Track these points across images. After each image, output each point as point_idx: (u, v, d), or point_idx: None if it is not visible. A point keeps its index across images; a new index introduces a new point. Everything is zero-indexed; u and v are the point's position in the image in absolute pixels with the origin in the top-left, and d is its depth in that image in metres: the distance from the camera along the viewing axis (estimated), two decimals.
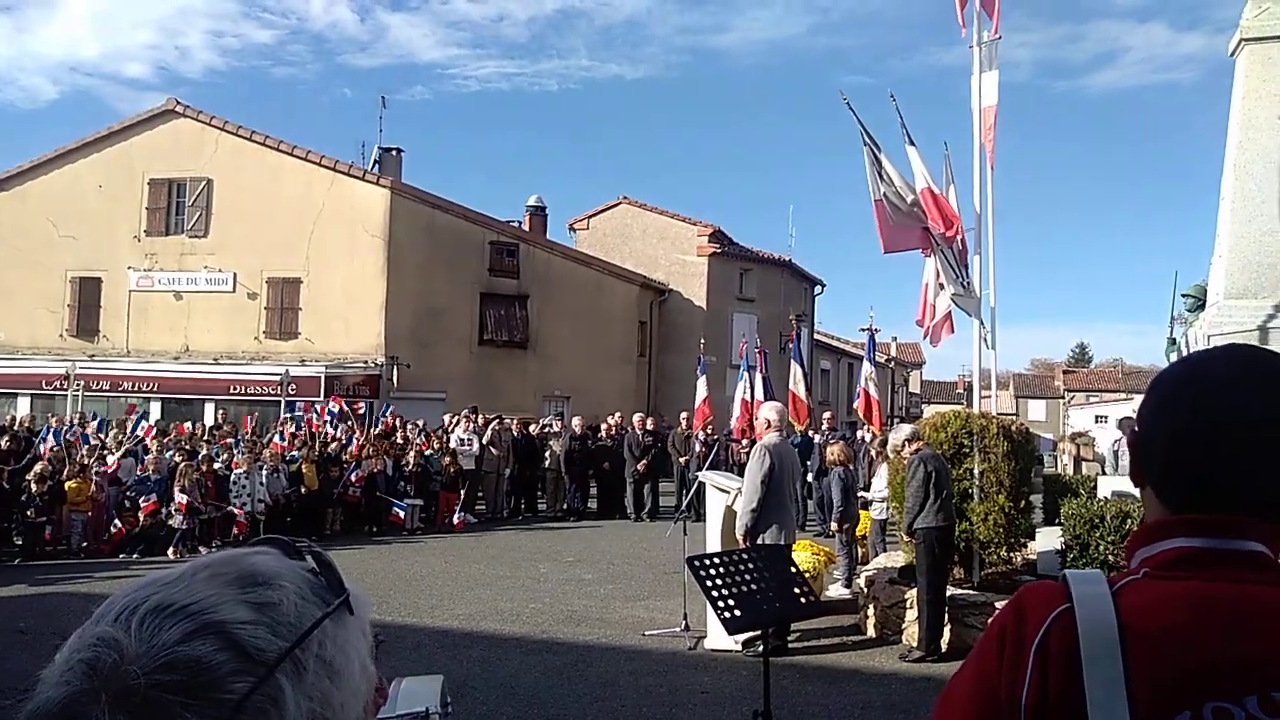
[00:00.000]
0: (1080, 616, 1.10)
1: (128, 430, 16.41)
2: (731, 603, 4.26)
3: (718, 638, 7.66)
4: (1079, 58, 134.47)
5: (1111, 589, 1.13)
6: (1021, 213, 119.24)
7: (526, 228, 31.41)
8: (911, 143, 9.27)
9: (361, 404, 18.87)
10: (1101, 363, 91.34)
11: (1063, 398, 71.28)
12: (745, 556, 4.61)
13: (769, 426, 8.01)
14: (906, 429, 8.44)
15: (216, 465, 14.18)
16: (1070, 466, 24.90)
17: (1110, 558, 7.58)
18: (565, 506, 17.79)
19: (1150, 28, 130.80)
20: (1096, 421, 48.35)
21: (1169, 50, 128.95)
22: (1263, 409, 1.13)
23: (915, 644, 7.71)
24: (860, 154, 9.28)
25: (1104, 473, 12.61)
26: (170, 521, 13.01)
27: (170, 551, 12.71)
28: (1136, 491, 1.29)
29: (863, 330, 26.96)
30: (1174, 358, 10.17)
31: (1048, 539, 8.84)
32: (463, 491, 16.74)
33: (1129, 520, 7.45)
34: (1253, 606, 1.08)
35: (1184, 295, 11.47)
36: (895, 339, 61.64)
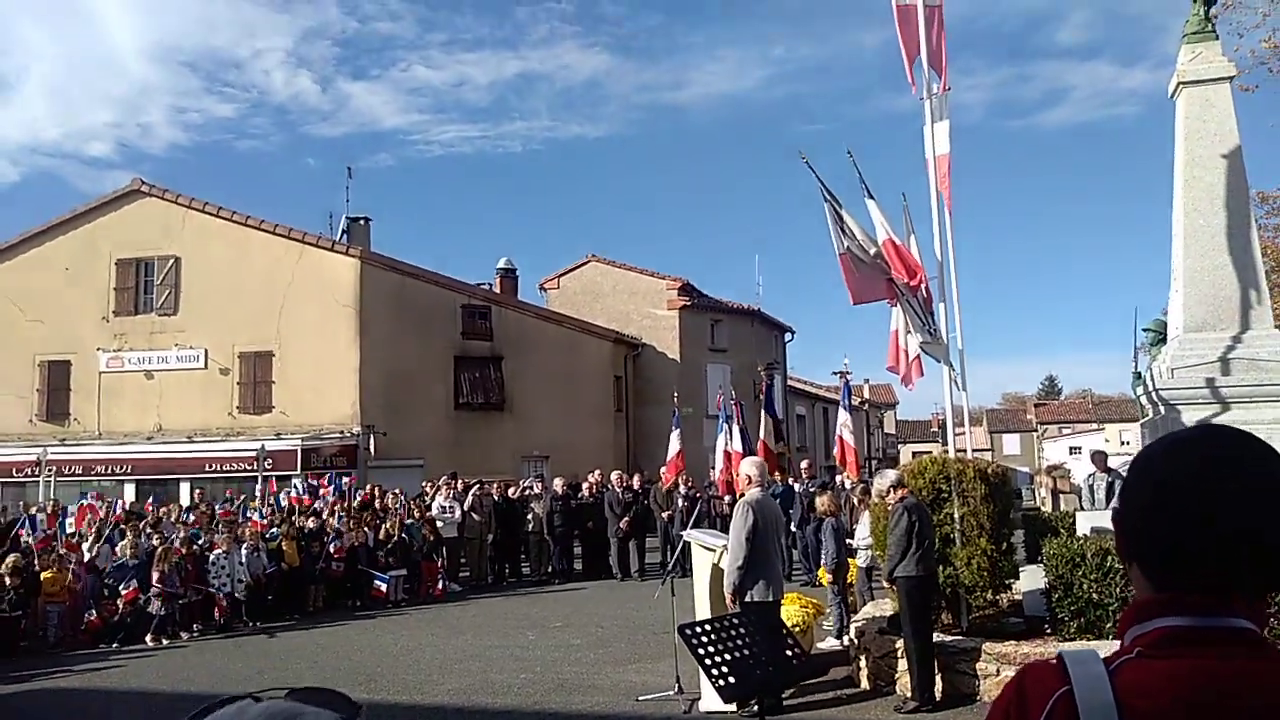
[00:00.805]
0: (1079, 697, 1.16)
1: (101, 515, 16.15)
2: (725, 670, 4.29)
3: (712, 699, 7.62)
4: (1029, 97, 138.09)
5: (1108, 669, 1.19)
6: (985, 248, 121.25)
7: (498, 290, 31.57)
8: (870, 196, 9.50)
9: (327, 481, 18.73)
10: (1071, 394, 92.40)
11: (1036, 430, 71.93)
12: (736, 621, 4.64)
13: (750, 482, 8.06)
14: (892, 475, 8.47)
15: (196, 546, 13.98)
16: (1049, 500, 25.01)
17: (1094, 595, 7.67)
18: (550, 569, 17.66)
19: (1093, 65, 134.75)
20: (1070, 453, 48.81)
21: (1114, 85, 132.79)
22: (1229, 466, 1.20)
23: (909, 694, 7.72)
24: (822, 205, 9.48)
25: (1081, 507, 12.73)
26: (149, 608, 12.78)
27: (149, 639, 12.49)
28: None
29: (835, 374, 27.28)
30: (1139, 392, 10.38)
31: (1031, 578, 8.89)
32: (441, 560, 16.61)
33: (1109, 557, 7.54)
34: (1243, 682, 1.14)
35: (1145, 330, 11.77)
36: (868, 381, 62.06)
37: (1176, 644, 1.18)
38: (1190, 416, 8.77)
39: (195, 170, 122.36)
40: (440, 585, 16.12)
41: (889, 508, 8.20)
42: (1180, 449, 1.26)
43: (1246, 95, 15.72)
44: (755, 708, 6.90)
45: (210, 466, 23.97)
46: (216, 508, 16.95)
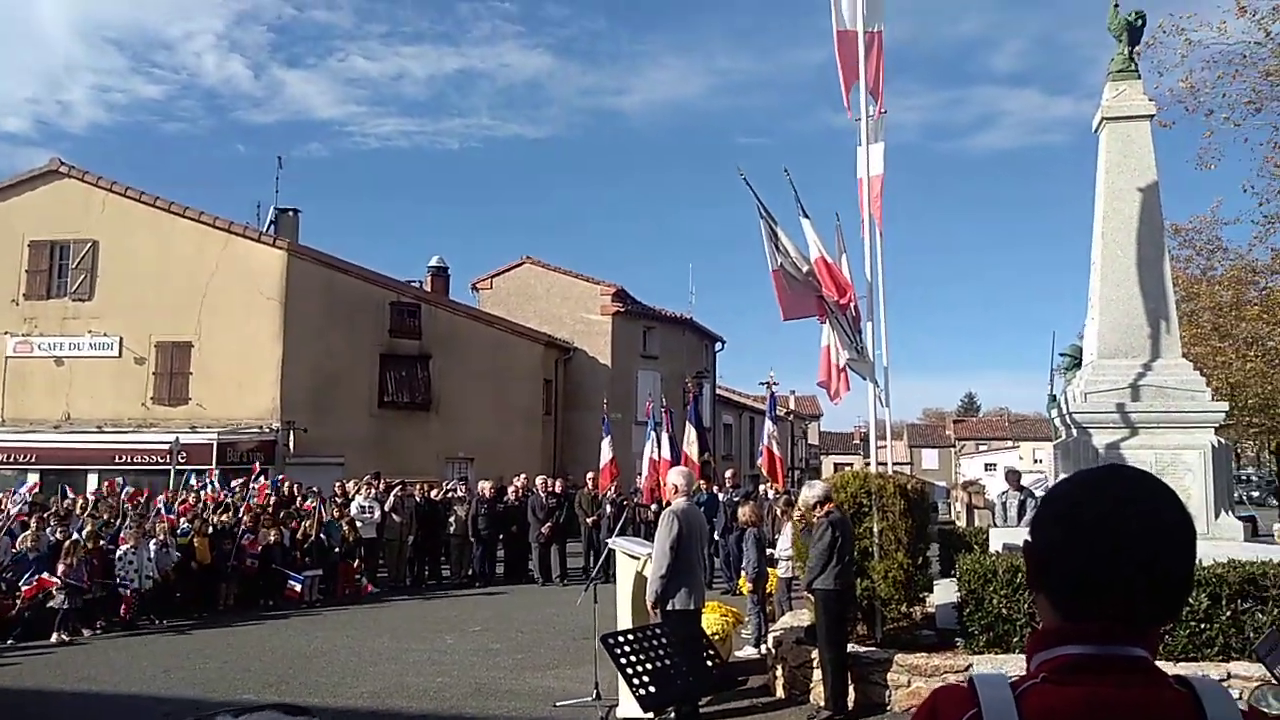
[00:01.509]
0: None
1: (3, 505, 15.50)
2: (646, 679, 4.31)
3: (629, 706, 7.63)
4: (962, 120, 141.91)
5: (1014, 693, 1.26)
6: (911, 266, 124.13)
7: (428, 288, 31.19)
8: (805, 214, 9.64)
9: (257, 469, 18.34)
10: (989, 411, 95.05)
11: (954, 446, 73.76)
12: (658, 631, 4.67)
13: (676, 491, 8.11)
14: (820, 488, 8.55)
15: (103, 541, 13.50)
16: (963, 515, 25.71)
17: (1004, 610, 7.90)
18: (470, 572, 17.49)
19: (1025, 93, 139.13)
20: (986, 469, 50.17)
21: (1043, 114, 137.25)
22: (1131, 505, 1.28)
23: (823, 704, 7.85)
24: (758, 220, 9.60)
25: (995, 523, 13.11)
26: (50, 603, 12.30)
27: (54, 636, 12.01)
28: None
29: (762, 384, 27.61)
30: (1054, 414, 10.73)
31: (945, 592, 9.13)
32: (359, 560, 16.33)
33: (1020, 574, 7.77)
34: (1139, 712, 1.22)
35: (1062, 354, 12.20)
36: (794, 392, 62.94)
37: (1078, 671, 1.25)
38: (1101, 440, 9.11)
39: (117, 151, 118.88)
40: (365, 583, 15.90)
41: (814, 520, 8.33)
42: (1089, 488, 1.34)
43: (1164, 131, 16.42)
44: (672, 715, 6.95)
45: (120, 458, 23.13)
46: (123, 498, 16.38)
